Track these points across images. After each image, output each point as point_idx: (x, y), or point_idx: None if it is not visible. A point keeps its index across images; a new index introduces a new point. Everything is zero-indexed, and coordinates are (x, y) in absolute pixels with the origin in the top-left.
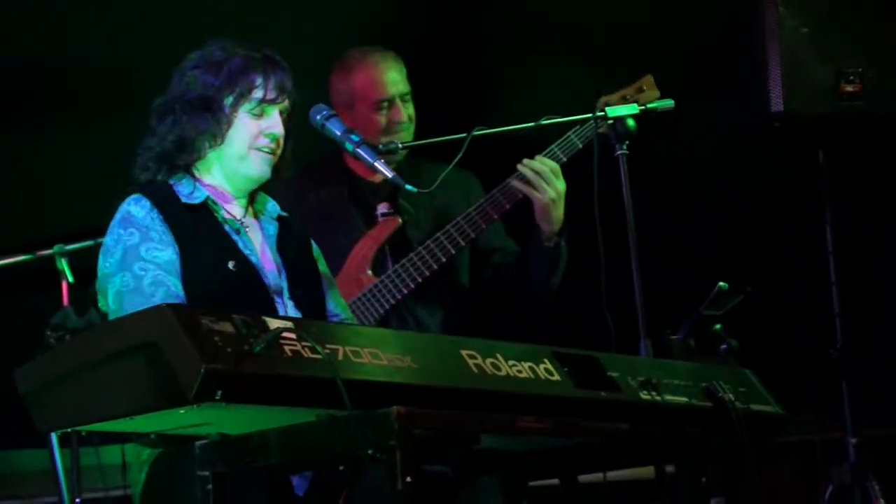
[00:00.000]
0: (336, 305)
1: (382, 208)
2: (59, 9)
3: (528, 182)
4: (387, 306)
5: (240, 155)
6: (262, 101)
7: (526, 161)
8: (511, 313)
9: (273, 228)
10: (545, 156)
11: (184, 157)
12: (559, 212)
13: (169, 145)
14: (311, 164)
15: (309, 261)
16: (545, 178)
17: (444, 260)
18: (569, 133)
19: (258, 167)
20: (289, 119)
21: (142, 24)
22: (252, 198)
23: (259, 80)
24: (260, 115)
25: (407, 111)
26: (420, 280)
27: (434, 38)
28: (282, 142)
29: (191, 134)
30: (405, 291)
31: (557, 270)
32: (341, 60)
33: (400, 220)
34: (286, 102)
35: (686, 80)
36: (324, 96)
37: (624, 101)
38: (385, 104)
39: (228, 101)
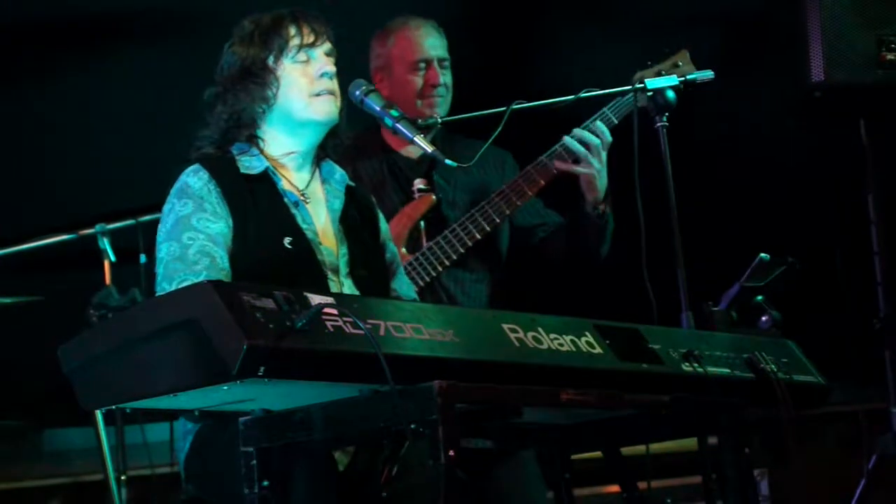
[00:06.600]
0: (400, 286)
1: (419, 184)
2: None
3: (572, 156)
4: (421, 283)
5: (302, 105)
6: (302, 45)
7: (576, 132)
8: (551, 287)
9: (339, 203)
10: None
11: (242, 133)
12: (603, 181)
13: (224, 125)
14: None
15: (374, 238)
16: (593, 152)
17: (478, 237)
18: (604, 109)
19: (324, 109)
20: (335, 66)
21: None
22: (318, 166)
23: (293, 30)
24: (306, 61)
25: (444, 78)
26: (455, 257)
27: (471, 11)
28: (336, 83)
29: (242, 105)
30: (440, 268)
31: (606, 236)
32: (383, 27)
33: (434, 198)
34: (328, 44)
35: (727, 50)
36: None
37: (659, 76)
38: (422, 65)
39: (270, 60)
